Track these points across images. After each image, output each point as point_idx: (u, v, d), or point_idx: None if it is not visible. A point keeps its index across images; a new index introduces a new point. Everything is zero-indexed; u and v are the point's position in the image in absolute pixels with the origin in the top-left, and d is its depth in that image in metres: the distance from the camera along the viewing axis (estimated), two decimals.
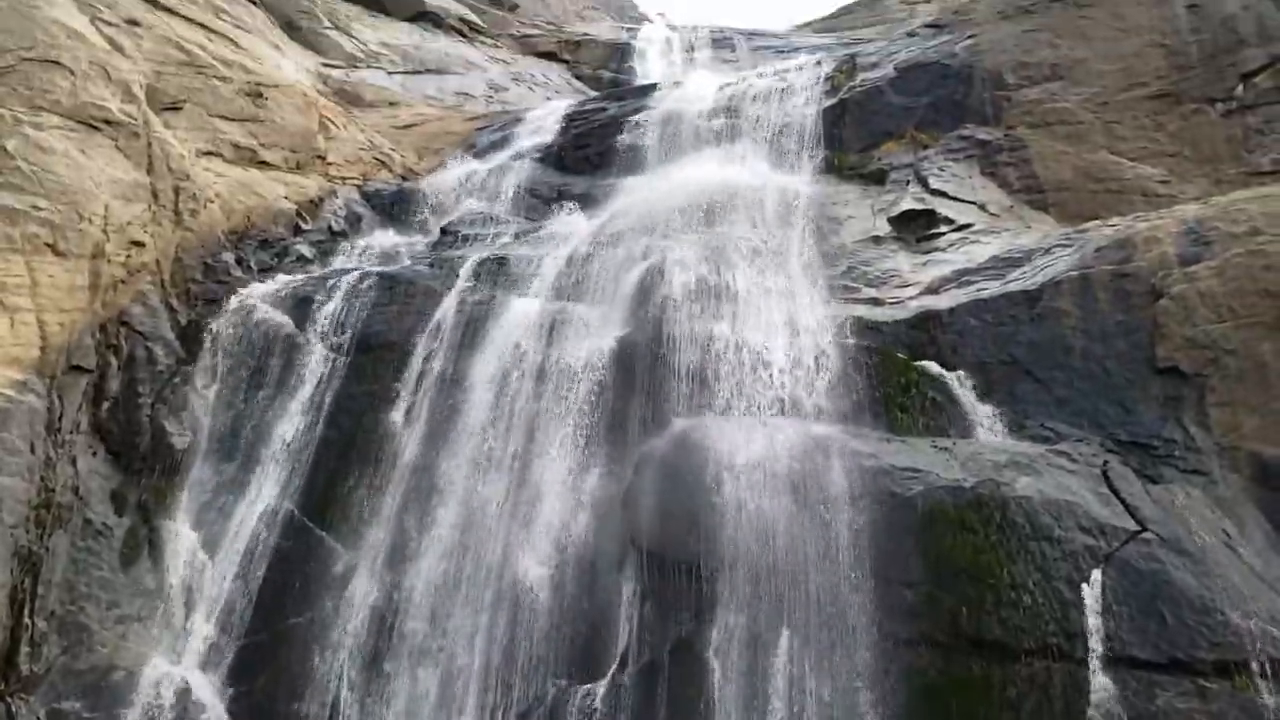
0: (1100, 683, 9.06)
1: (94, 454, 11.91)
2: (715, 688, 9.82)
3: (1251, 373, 11.09)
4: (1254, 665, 8.92)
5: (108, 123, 14.08)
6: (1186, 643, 9.11)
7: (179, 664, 10.98)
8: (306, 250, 15.85)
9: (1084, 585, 9.47)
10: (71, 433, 11.84)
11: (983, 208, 15.67)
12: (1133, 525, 9.90)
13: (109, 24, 16.27)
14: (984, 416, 11.83)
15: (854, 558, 10.17)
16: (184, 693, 10.70)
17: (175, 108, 16.26)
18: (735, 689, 9.79)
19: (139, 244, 13.46)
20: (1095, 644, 9.20)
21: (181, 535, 11.77)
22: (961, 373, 12.26)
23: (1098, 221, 13.94)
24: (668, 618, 10.33)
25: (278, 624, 11.30)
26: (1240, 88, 15.86)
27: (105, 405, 12.24)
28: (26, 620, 10.49)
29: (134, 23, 16.99)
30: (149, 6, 18.43)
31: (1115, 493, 10.31)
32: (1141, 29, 17.26)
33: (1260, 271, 11.53)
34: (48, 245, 12.36)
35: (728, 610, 10.14)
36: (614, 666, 10.30)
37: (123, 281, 13.10)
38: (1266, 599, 9.47)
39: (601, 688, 10.18)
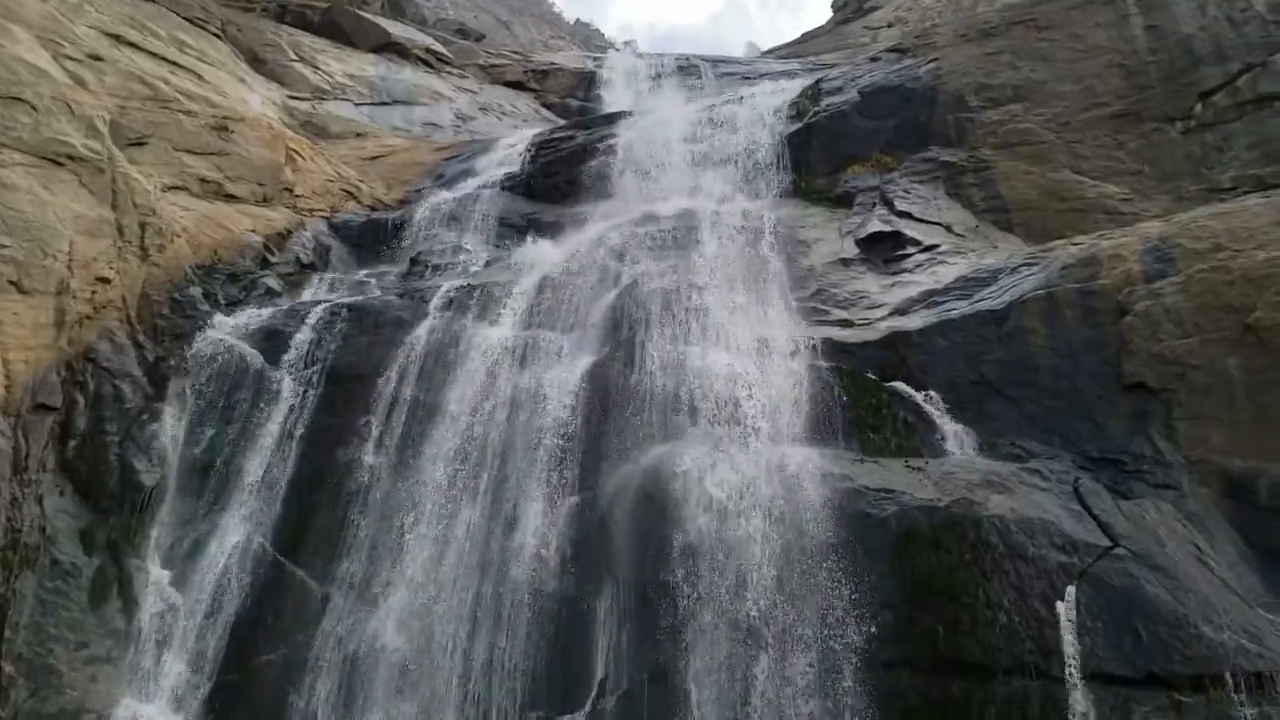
0: (1078, 700, 9.08)
1: (61, 493, 11.74)
2: (695, 714, 9.77)
3: (1217, 387, 11.21)
4: (1228, 678, 8.97)
5: (71, 158, 13.97)
6: (1161, 657, 9.15)
7: (150, 705, 10.80)
8: (275, 283, 15.76)
9: (1059, 603, 9.51)
10: (38, 472, 11.68)
11: (949, 229, 15.81)
12: (1105, 541, 9.96)
13: (71, 59, 16.18)
14: (955, 436, 11.89)
15: (831, 580, 10.17)
16: None
17: (140, 142, 16.17)
18: (715, 714, 9.74)
19: (105, 280, 13.34)
20: (1072, 661, 9.22)
21: (152, 574, 11.61)
22: (932, 393, 12.33)
23: (1062, 240, 14.11)
24: (645, 645, 10.28)
25: (250, 661, 11.15)
26: (1199, 106, 16.12)
27: (72, 443, 12.08)
28: None
29: (97, 58, 16.91)
30: (112, 41, 18.39)
31: (1087, 509, 10.38)
32: (1100, 50, 17.54)
33: (1223, 287, 11.68)
34: (11, 283, 12.22)
35: (705, 636, 10.11)
36: (593, 695, 10.22)
37: (88, 318, 12.97)
38: (1238, 611, 9.53)
39: (581, 717, 10.11)
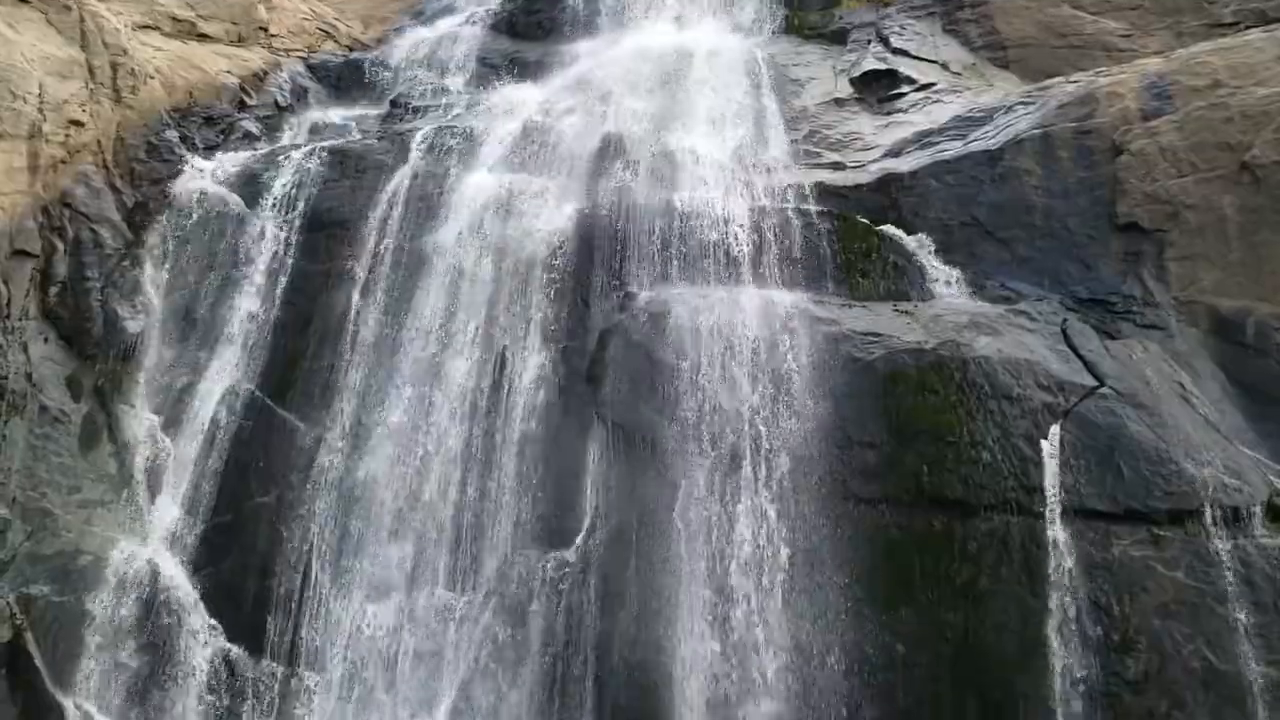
0: (1058, 534, 9.28)
1: (45, 340, 11.68)
2: (682, 550, 9.98)
3: (1211, 227, 11.12)
4: (1206, 512, 9.18)
5: None
6: (1142, 493, 9.32)
7: (146, 546, 10.98)
8: (252, 126, 15.37)
9: (1043, 441, 9.62)
10: (21, 319, 11.58)
11: (945, 67, 15.41)
12: (1091, 381, 10.02)
13: None
14: (945, 278, 11.82)
15: (817, 421, 10.25)
16: (153, 574, 10.74)
17: None
18: (701, 550, 9.96)
19: (78, 123, 12.98)
20: (1053, 498, 9.39)
21: (141, 419, 11.66)
22: (923, 235, 12.20)
23: (1059, 78, 13.75)
24: (634, 484, 10.42)
25: (243, 503, 11.29)
26: None
27: (53, 290, 11.95)
28: None
29: None
30: None
31: (1074, 349, 10.41)
32: None
33: (1221, 124, 11.46)
34: None
35: (693, 474, 10.23)
36: (582, 534, 10.41)
37: (63, 162, 12.67)
38: (1220, 448, 9.66)
39: (571, 554, 10.31)
